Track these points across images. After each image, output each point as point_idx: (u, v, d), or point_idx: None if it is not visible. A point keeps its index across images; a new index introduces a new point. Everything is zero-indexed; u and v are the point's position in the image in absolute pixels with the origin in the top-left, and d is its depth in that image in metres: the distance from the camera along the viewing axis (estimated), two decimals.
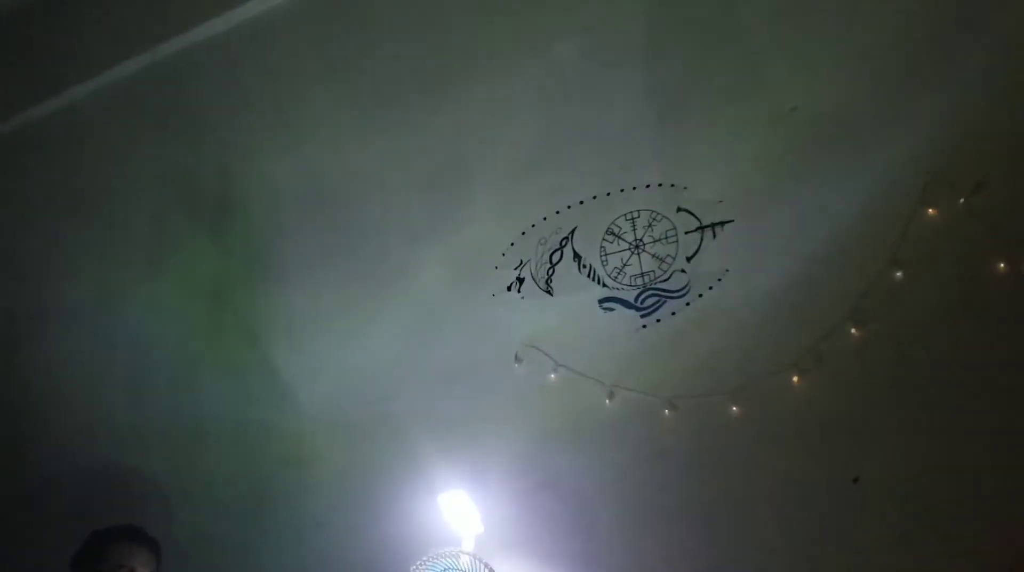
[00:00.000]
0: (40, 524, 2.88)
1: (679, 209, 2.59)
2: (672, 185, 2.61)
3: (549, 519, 2.54)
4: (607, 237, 2.65)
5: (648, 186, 2.63)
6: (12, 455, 3.15)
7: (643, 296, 2.58)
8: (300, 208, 3.17)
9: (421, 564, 2.29)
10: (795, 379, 2.39)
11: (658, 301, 2.57)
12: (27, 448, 3.18)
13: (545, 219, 2.74)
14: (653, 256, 2.59)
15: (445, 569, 2.28)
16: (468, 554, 2.30)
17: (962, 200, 2.28)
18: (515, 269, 2.76)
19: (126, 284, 3.30)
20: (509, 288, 2.77)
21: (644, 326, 2.57)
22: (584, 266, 2.67)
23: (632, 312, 2.59)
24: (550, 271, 2.71)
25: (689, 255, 2.56)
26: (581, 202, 2.69)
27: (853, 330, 2.37)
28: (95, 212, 3.47)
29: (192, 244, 3.31)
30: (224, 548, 2.87)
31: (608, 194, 2.67)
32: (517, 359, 2.67)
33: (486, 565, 2.26)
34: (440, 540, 2.38)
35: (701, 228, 2.57)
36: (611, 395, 2.54)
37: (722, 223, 2.55)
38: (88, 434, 3.14)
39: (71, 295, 3.38)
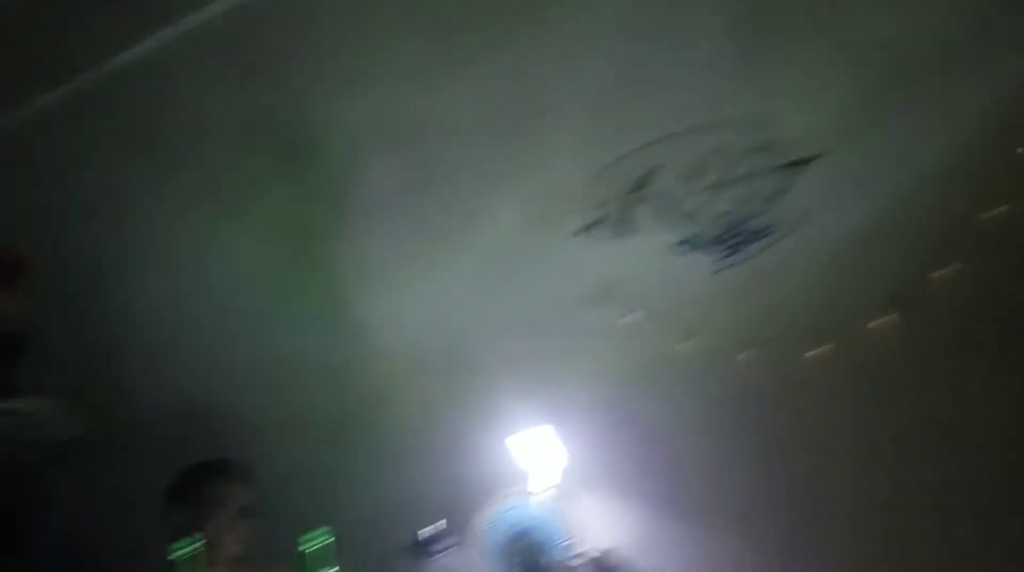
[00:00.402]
0: (138, 459, 3.00)
1: (762, 147, 2.52)
2: (757, 121, 2.54)
3: (627, 458, 2.55)
4: (687, 176, 2.60)
5: (731, 122, 2.57)
6: (110, 394, 3.28)
7: (724, 237, 2.54)
8: (377, 151, 3.19)
9: (498, 500, 2.33)
10: (877, 322, 2.33)
11: (739, 242, 2.52)
12: (124, 388, 3.32)
13: (622, 158, 2.70)
14: (735, 195, 2.54)
15: (517, 507, 2.31)
16: (542, 492, 2.33)
17: None
18: (592, 210, 2.74)
19: (211, 227, 3.38)
20: (586, 230, 2.75)
21: (722, 268, 2.53)
22: (662, 207, 2.63)
23: (712, 254, 2.55)
24: (626, 212, 2.68)
25: (773, 194, 2.50)
26: (661, 140, 2.65)
27: (938, 273, 2.29)
28: (180, 158, 3.55)
29: (273, 188, 3.37)
30: (310, 482, 2.96)
31: (689, 131, 2.62)
32: (593, 301, 2.66)
33: (562, 502, 2.28)
34: (517, 477, 2.41)
35: (786, 166, 2.50)
36: (688, 337, 2.52)
37: (808, 161, 2.47)
38: (180, 373, 3.25)
39: (159, 240, 3.49)
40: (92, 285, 3.54)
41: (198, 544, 1.80)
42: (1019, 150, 2.25)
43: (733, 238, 2.53)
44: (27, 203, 3.84)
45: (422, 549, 2.32)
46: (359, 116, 3.24)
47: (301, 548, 1.83)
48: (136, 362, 3.34)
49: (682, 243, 2.58)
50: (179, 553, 1.79)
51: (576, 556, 2.27)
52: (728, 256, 2.52)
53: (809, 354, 2.38)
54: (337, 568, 1.82)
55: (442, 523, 2.35)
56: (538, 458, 2.49)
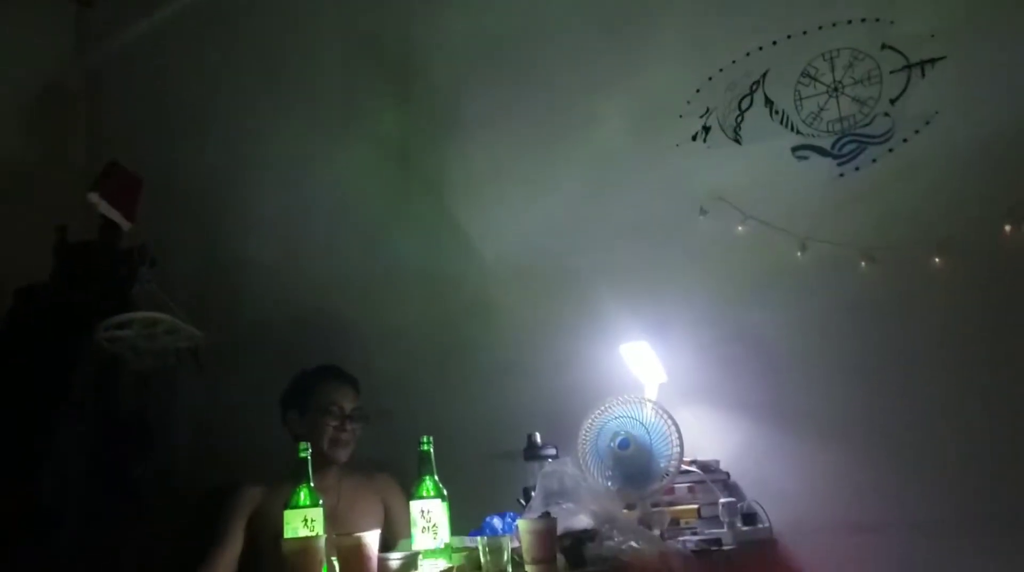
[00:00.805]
0: (257, 366, 3.13)
1: (884, 46, 2.39)
2: (876, 20, 2.41)
3: (736, 369, 2.51)
4: (802, 79, 2.49)
5: (849, 22, 2.44)
6: (227, 304, 3.42)
7: (841, 142, 2.43)
8: (478, 65, 3.17)
9: (601, 411, 2.33)
10: (1006, 229, 2.21)
11: (857, 147, 2.41)
12: (239, 298, 3.45)
13: (734, 62, 2.61)
14: (853, 99, 2.42)
15: (622, 416, 2.31)
16: (650, 402, 2.32)
17: None
18: (701, 117, 2.67)
19: (319, 144, 3.44)
20: (694, 137, 2.68)
21: (841, 175, 2.43)
22: (776, 112, 2.53)
23: (828, 160, 2.45)
24: (739, 118, 2.60)
25: (894, 97, 2.37)
26: (774, 43, 2.54)
27: None
28: (289, 79, 3.61)
29: (377, 104, 3.40)
30: (415, 391, 3.04)
31: (804, 32, 2.50)
32: (702, 211, 2.60)
33: (666, 413, 2.27)
34: (621, 389, 2.40)
35: (908, 67, 2.36)
36: (803, 247, 2.44)
37: (932, 61, 2.34)
38: (292, 286, 3.36)
39: (269, 156, 3.57)
40: (207, 203, 3.66)
41: (309, 447, 1.87)
42: None
43: (853, 142, 2.42)
44: (145, 124, 3.98)
45: (524, 455, 2.35)
46: (460, 31, 3.21)
47: (422, 448, 1.88)
48: (251, 276, 3.46)
49: (799, 148, 2.49)
50: (301, 453, 1.85)
51: (680, 467, 2.26)
52: (848, 161, 2.42)
53: (934, 263, 2.27)
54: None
55: (535, 435, 2.36)
56: (645, 369, 2.48)
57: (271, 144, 3.55)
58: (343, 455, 2.49)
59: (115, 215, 3.15)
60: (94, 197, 3.10)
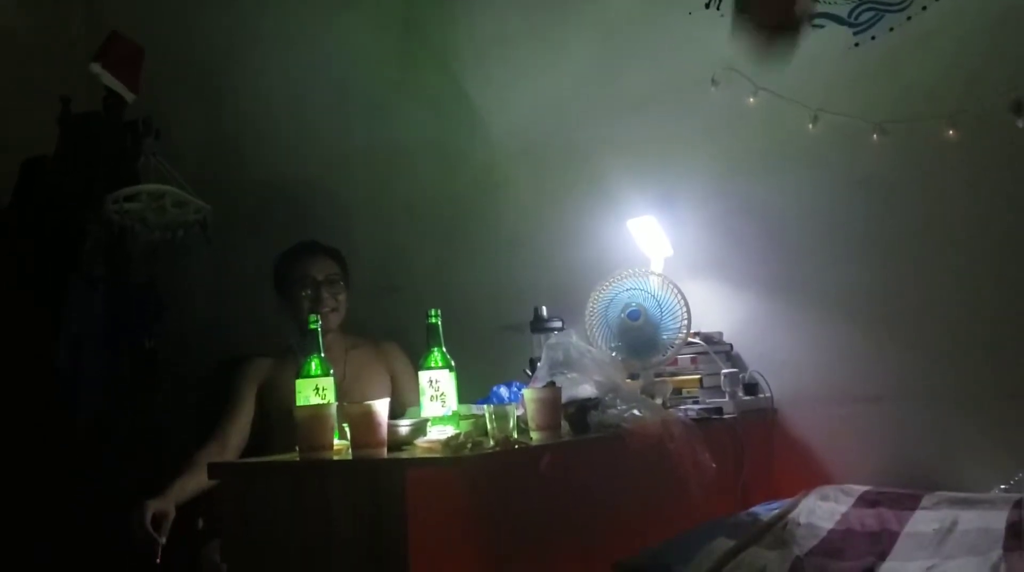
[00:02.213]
0: (259, 238, 3.13)
1: None
2: None
3: (743, 244, 2.52)
4: None
5: None
6: (234, 176, 3.40)
7: (858, 10, 2.36)
8: None
9: (611, 281, 2.35)
10: (1022, 103, 2.16)
11: (875, 15, 2.34)
12: (245, 170, 3.43)
13: None
14: None
15: (632, 288, 2.32)
16: (657, 275, 2.34)
17: None
18: None
19: (323, 12, 3.34)
20: (707, 5, 2.60)
21: (857, 44, 2.37)
22: None
23: (844, 28, 2.38)
24: None
25: None
26: None
27: None
28: None
29: None
30: (423, 265, 3.06)
31: None
32: (714, 82, 2.55)
33: (675, 286, 2.29)
34: (627, 264, 2.41)
35: None
36: (815, 119, 2.40)
37: None
38: (296, 157, 3.33)
39: (272, 25, 3.48)
40: (209, 74, 3.59)
41: (319, 318, 1.90)
42: None
43: (871, 10, 2.34)
44: None
45: (531, 328, 2.38)
46: None
47: (430, 320, 1.90)
48: (256, 148, 3.43)
49: (815, 16, 2.41)
50: (311, 325, 1.88)
51: (686, 340, 2.30)
52: (864, 30, 2.35)
53: (947, 136, 2.24)
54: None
55: (542, 308, 2.38)
56: (651, 243, 2.48)
57: (274, 12, 3.45)
58: (331, 322, 2.52)
59: (119, 86, 3.09)
60: (97, 67, 3.04)
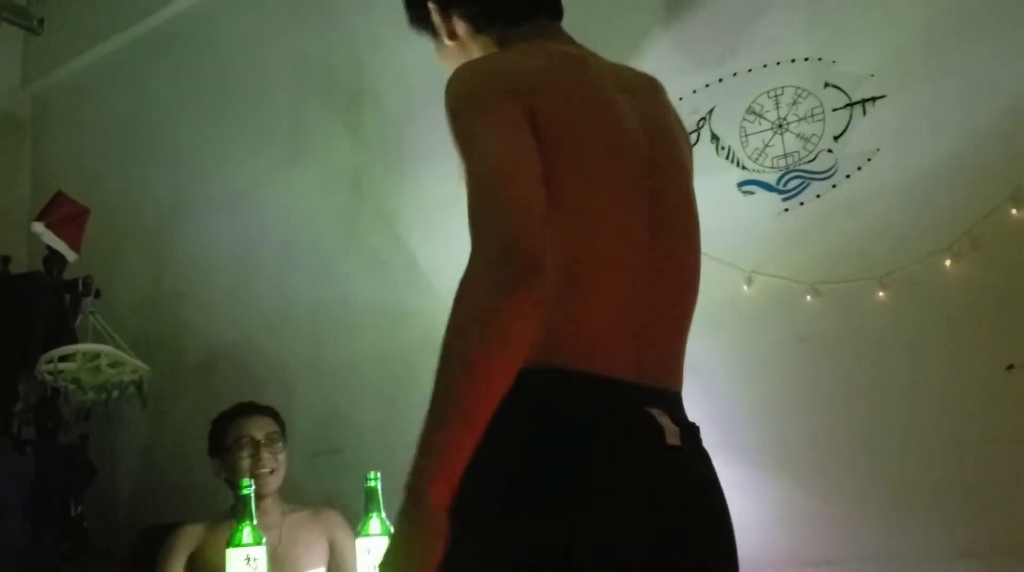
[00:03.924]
0: (197, 401, 3.07)
1: (826, 85, 2.44)
2: (819, 59, 2.46)
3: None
4: (747, 116, 2.53)
5: (793, 61, 2.49)
6: (173, 337, 3.36)
7: (786, 178, 2.47)
8: (431, 95, 3.16)
9: None
10: (948, 263, 2.25)
11: (802, 183, 2.45)
12: (186, 331, 3.39)
13: (680, 99, 2.63)
14: (797, 136, 2.46)
15: None
16: None
17: None
18: None
19: (269, 174, 3.41)
20: None
21: (787, 210, 2.46)
22: (723, 148, 2.57)
23: (774, 195, 2.48)
24: None
25: (837, 134, 2.42)
26: (720, 80, 2.58)
27: (1013, 211, 2.20)
28: (238, 108, 3.58)
29: (329, 134, 3.38)
30: (365, 426, 3.00)
31: (749, 71, 2.54)
32: None
33: None
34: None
35: (850, 105, 2.41)
36: (749, 281, 2.47)
37: (873, 99, 2.39)
38: (240, 319, 3.31)
39: (219, 186, 3.53)
40: (154, 234, 3.61)
41: (252, 483, 1.84)
42: None
43: (797, 178, 2.46)
44: (92, 154, 3.92)
45: None
46: (412, 61, 3.22)
47: (369, 483, 1.85)
48: (198, 308, 3.41)
49: (745, 183, 2.52)
50: (243, 490, 1.82)
51: None
52: (792, 196, 2.46)
53: (878, 296, 2.31)
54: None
55: None
56: None
57: (220, 174, 3.52)
58: (270, 484, 2.45)
59: (60, 245, 3.09)
60: (39, 227, 3.05)
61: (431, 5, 1.50)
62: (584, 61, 1.37)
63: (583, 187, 1.21)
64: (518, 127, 1.15)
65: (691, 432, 1.30)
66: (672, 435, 1.20)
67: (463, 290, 1.07)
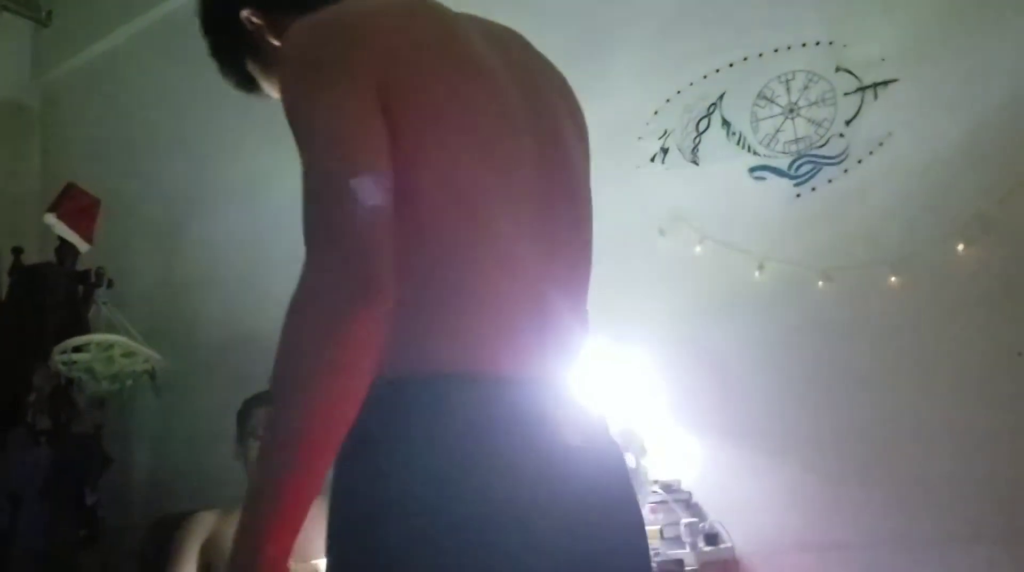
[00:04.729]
0: (210, 389, 3.08)
1: (838, 69, 2.43)
2: (830, 43, 2.45)
3: (696, 389, 2.52)
4: (759, 101, 2.53)
5: (804, 45, 2.48)
6: (186, 326, 3.37)
7: (797, 163, 2.47)
8: None
9: None
10: (960, 248, 2.25)
11: (814, 168, 2.44)
12: (198, 320, 3.41)
13: (691, 84, 2.63)
14: (809, 120, 2.46)
15: None
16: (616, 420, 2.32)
17: None
18: (659, 139, 2.69)
19: (281, 163, 3.40)
20: (652, 159, 2.70)
21: (798, 195, 2.46)
22: (733, 133, 2.56)
23: (785, 181, 2.48)
24: (696, 140, 2.62)
25: (848, 118, 2.41)
26: (731, 65, 2.57)
27: None
28: (253, 97, 3.57)
29: None
30: None
31: (760, 55, 2.53)
32: (661, 232, 2.62)
33: (625, 437, 2.27)
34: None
35: (861, 89, 2.40)
36: (761, 267, 2.47)
37: (885, 83, 2.38)
38: (252, 307, 3.32)
39: (230, 175, 3.54)
40: (165, 224, 3.62)
41: None
42: None
43: (809, 163, 2.45)
44: (103, 144, 3.93)
45: None
46: None
47: None
48: (210, 297, 3.42)
49: (756, 169, 2.52)
50: None
51: (645, 485, 2.27)
52: (804, 182, 2.45)
53: (889, 282, 2.30)
54: None
55: None
56: (607, 388, 2.48)
57: (231, 163, 3.52)
58: None
59: (72, 236, 3.11)
60: (51, 218, 3.07)
61: (247, 13, 1.23)
62: (451, 20, 1.12)
63: (460, 167, 1.01)
64: (365, 103, 0.96)
65: (594, 426, 1.10)
66: (572, 433, 1.01)
67: (297, 308, 0.91)
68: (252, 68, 1.31)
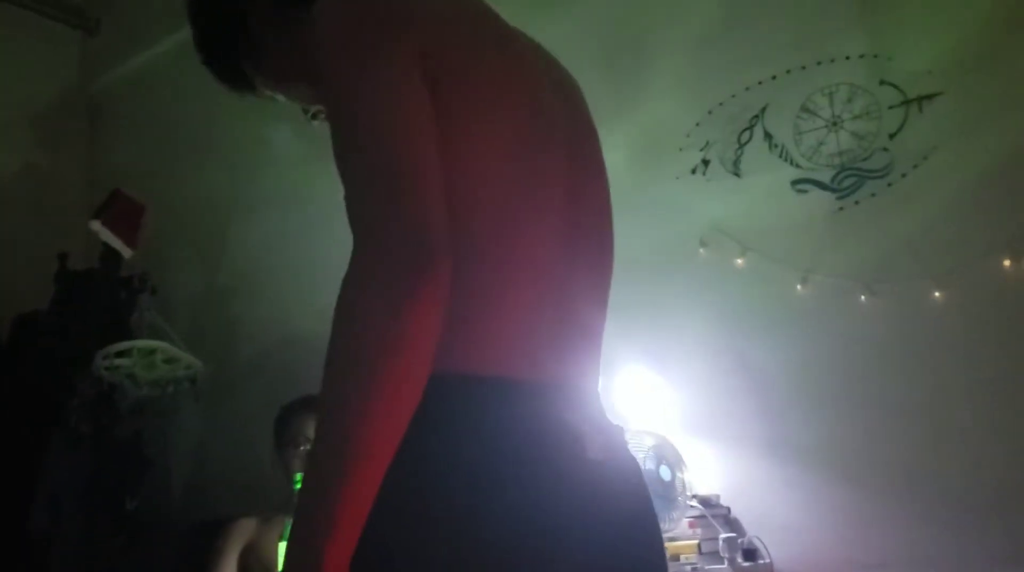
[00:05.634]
0: (250, 396, 3.11)
1: (882, 82, 2.41)
2: (875, 55, 2.43)
3: (737, 402, 2.50)
4: (802, 114, 2.51)
5: (848, 57, 2.46)
6: (227, 332, 3.41)
7: (840, 176, 2.44)
8: None
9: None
10: (1006, 262, 2.21)
11: (857, 182, 2.42)
12: (240, 326, 3.44)
13: (733, 96, 2.62)
14: (852, 134, 2.43)
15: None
16: (649, 436, 2.32)
17: None
18: (700, 150, 2.67)
19: (323, 171, 3.43)
20: (694, 170, 2.69)
21: (841, 208, 2.43)
22: (776, 146, 2.54)
23: (828, 194, 2.45)
24: (738, 152, 2.61)
25: (892, 132, 2.38)
26: (773, 77, 2.55)
27: None
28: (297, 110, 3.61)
29: None
30: None
31: (803, 67, 2.51)
32: (702, 244, 2.61)
33: (664, 450, 2.26)
34: (618, 418, 2.39)
35: (906, 102, 2.38)
36: (804, 281, 2.44)
37: (930, 96, 2.35)
38: (294, 313, 3.35)
39: (273, 183, 3.58)
40: (208, 230, 3.67)
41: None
42: None
43: (852, 176, 2.43)
44: (147, 151, 3.99)
45: None
46: None
47: None
48: (252, 303, 3.45)
49: (799, 182, 2.50)
50: (297, 484, 1.83)
51: (682, 499, 2.25)
52: (847, 195, 2.43)
53: (934, 296, 2.27)
54: None
55: None
56: (645, 400, 2.47)
57: (274, 171, 3.56)
58: None
59: (116, 243, 3.15)
60: (96, 225, 3.11)
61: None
62: (497, 17, 1.09)
63: (499, 170, 0.98)
64: (414, 82, 0.91)
65: (615, 439, 1.07)
66: (595, 447, 0.98)
67: (353, 290, 0.85)
68: (249, 63, 1.24)
